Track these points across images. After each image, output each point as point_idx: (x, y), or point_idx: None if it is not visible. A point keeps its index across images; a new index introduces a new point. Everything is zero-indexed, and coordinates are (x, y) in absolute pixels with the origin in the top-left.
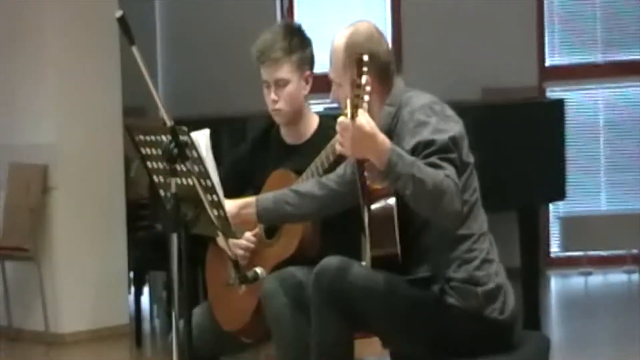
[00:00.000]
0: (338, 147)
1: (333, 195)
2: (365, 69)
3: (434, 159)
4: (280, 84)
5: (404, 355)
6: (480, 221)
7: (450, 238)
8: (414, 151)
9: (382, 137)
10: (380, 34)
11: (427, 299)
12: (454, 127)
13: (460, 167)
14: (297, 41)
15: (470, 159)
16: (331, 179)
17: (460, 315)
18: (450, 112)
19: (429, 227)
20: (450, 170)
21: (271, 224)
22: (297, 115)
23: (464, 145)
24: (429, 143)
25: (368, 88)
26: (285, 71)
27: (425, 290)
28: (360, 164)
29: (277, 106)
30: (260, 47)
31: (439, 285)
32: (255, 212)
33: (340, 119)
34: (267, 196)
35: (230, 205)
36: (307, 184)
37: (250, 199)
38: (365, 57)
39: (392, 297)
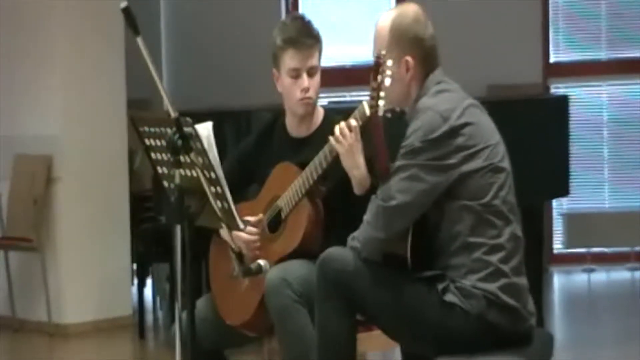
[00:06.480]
0: (333, 141)
1: None
2: (387, 72)
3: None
4: (312, 71)
5: (411, 350)
6: (496, 232)
7: (460, 244)
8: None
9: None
10: (427, 19)
11: (430, 293)
12: (432, 179)
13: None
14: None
15: (472, 166)
16: None
17: (462, 313)
18: (449, 143)
19: (440, 230)
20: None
21: None
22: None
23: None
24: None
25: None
26: (316, 58)
27: (429, 286)
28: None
29: (309, 94)
30: (292, 33)
31: (444, 284)
32: None
33: (353, 122)
34: None
35: None
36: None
37: None
38: (390, 63)
39: (395, 288)
